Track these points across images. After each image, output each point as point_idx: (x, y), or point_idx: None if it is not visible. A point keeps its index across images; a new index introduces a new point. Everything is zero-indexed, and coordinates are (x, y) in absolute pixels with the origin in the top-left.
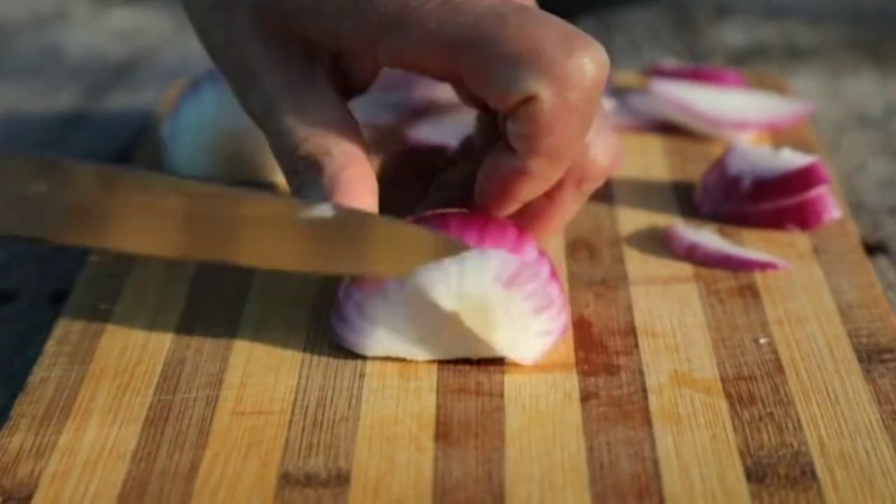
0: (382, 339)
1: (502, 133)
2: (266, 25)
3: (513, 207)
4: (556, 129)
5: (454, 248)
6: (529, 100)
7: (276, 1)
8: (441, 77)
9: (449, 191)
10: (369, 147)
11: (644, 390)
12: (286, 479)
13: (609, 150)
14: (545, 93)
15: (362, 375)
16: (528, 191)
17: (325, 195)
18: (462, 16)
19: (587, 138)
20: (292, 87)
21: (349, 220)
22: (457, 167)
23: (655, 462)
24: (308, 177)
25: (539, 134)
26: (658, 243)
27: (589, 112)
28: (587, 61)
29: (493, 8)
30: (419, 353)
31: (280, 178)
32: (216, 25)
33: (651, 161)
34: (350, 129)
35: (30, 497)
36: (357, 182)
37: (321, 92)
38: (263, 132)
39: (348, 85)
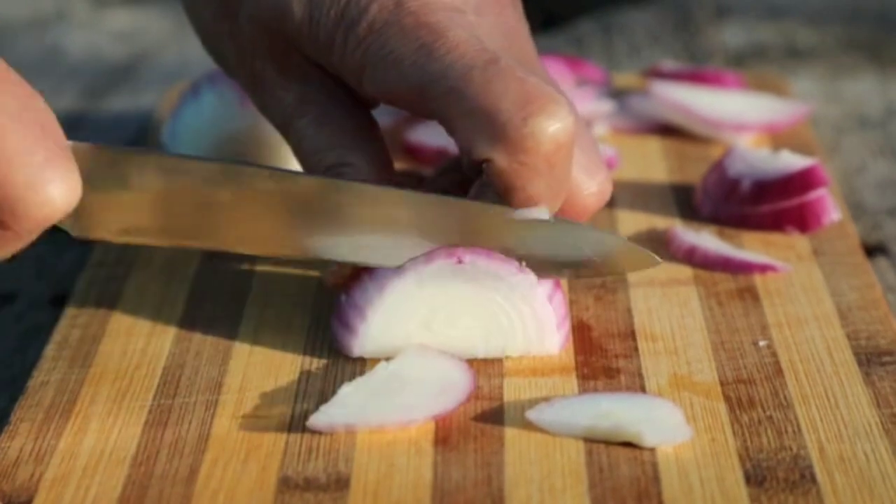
0: (386, 337)
1: None
2: (272, 36)
3: None
4: (519, 189)
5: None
6: (488, 162)
7: (278, 19)
8: (421, 116)
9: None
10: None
11: (644, 394)
12: (286, 484)
13: (595, 188)
14: (499, 158)
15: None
16: None
17: None
18: (432, 63)
19: (572, 176)
20: (308, 98)
21: (561, 225)
22: (438, 180)
23: (654, 465)
24: None
25: (503, 190)
26: (658, 245)
27: (554, 172)
28: (545, 126)
29: (463, 57)
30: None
31: None
32: (223, 37)
33: (650, 163)
34: (371, 135)
35: (29, 501)
36: None
37: (338, 100)
38: (286, 139)
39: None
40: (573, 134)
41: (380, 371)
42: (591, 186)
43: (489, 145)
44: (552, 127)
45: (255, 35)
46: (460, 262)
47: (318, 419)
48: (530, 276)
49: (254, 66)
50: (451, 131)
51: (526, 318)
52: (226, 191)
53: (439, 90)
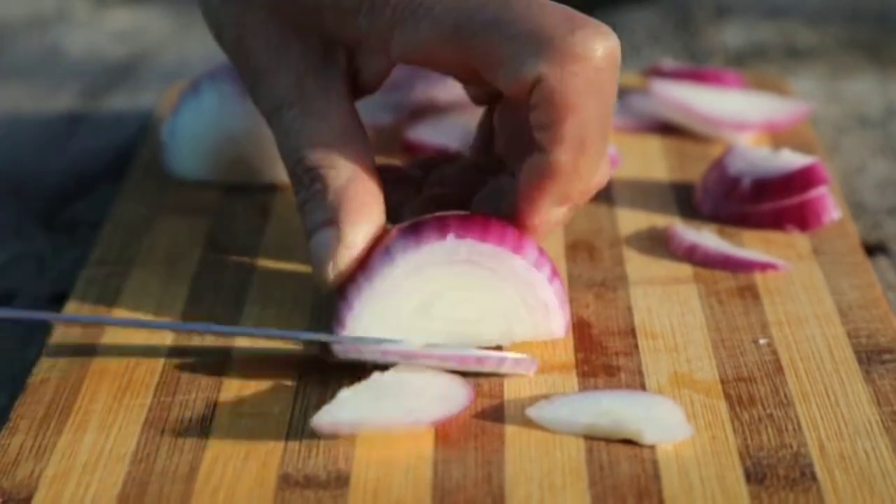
0: (377, 325)
1: (529, 133)
2: (283, 19)
3: (548, 217)
4: (571, 110)
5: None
6: (539, 82)
7: None
8: (453, 71)
9: (442, 187)
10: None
11: (644, 391)
12: (286, 481)
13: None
14: (551, 71)
15: (361, 378)
16: (562, 190)
17: (330, 213)
18: (467, 1)
19: None
20: (302, 86)
21: None
22: (447, 167)
23: (655, 463)
24: (313, 192)
25: (556, 118)
26: (658, 244)
27: (605, 90)
28: (592, 36)
29: None
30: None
31: (278, 180)
32: (228, 20)
33: (651, 162)
34: (357, 136)
35: (29, 498)
36: (362, 198)
37: (331, 93)
38: (271, 130)
39: (358, 85)
40: (618, 55)
41: (376, 378)
42: (591, 171)
43: (539, 59)
44: (600, 37)
45: (262, 19)
46: (448, 238)
47: (321, 420)
48: (529, 259)
49: (251, 51)
50: (494, 65)
51: (529, 301)
52: None
53: (478, 24)
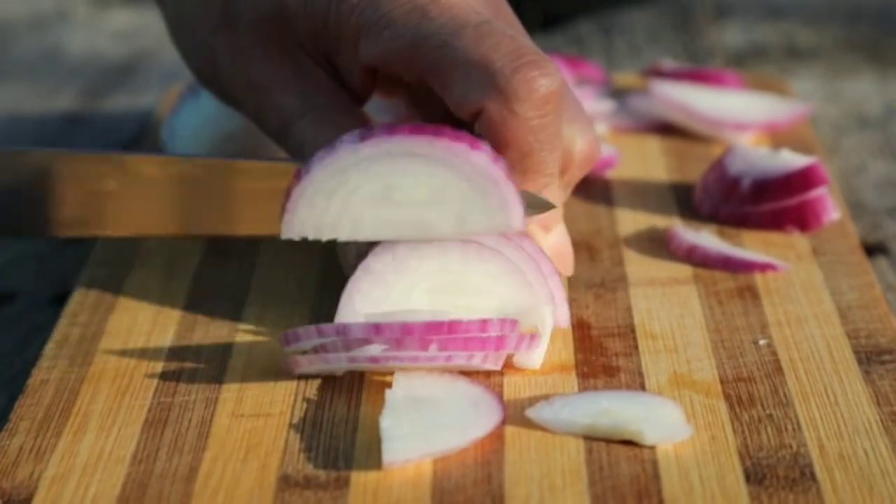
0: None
1: None
2: (272, 38)
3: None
4: (510, 144)
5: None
6: (481, 112)
7: (276, 15)
8: (414, 81)
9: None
10: None
11: (644, 392)
12: (286, 482)
13: (585, 146)
14: (492, 105)
15: (361, 376)
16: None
17: None
18: (426, 22)
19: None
20: (307, 98)
21: None
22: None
23: (654, 463)
24: None
25: (496, 146)
26: (657, 245)
27: (546, 125)
28: (535, 75)
29: (456, 18)
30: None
31: None
32: (216, 52)
33: (650, 162)
34: None
35: (29, 499)
36: None
37: (336, 100)
38: (284, 147)
39: (352, 94)
40: (563, 89)
41: (398, 399)
42: (581, 145)
43: (482, 93)
44: (542, 77)
45: (255, 41)
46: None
47: (393, 456)
48: (487, 154)
49: (251, 74)
50: (443, 88)
51: (489, 194)
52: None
53: (432, 45)
